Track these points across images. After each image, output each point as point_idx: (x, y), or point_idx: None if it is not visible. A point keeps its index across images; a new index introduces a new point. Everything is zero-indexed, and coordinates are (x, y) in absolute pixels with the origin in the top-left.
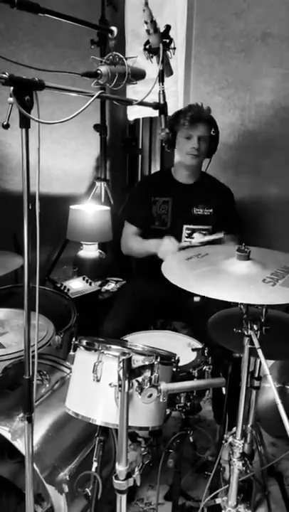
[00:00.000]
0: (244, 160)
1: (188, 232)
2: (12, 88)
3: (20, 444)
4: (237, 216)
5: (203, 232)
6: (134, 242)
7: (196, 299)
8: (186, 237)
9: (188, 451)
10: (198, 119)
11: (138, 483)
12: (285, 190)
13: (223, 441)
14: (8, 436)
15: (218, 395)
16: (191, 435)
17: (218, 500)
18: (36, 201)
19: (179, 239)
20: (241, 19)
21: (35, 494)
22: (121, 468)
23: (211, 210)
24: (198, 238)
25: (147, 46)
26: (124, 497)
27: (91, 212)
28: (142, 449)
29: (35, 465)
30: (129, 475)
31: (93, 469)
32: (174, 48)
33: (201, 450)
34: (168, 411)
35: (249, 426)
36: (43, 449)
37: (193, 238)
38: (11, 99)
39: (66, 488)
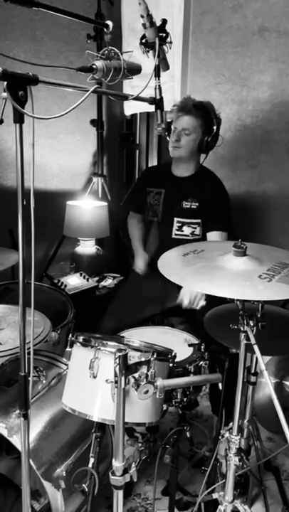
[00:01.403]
0: (241, 155)
1: (179, 225)
2: (5, 83)
3: (16, 441)
4: (225, 212)
5: (193, 226)
6: (132, 231)
7: (202, 302)
8: (177, 230)
9: (185, 446)
10: (181, 111)
11: (134, 479)
12: (282, 185)
13: (220, 437)
14: (4, 432)
15: (216, 390)
16: (188, 430)
17: (215, 495)
18: (31, 197)
19: (169, 231)
20: (238, 13)
21: (32, 490)
22: (118, 464)
23: (197, 204)
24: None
25: (143, 40)
26: (120, 493)
27: (88, 208)
28: (139, 444)
29: (31, 461)
30: (125, 471)
31: (90, 465)
32: (171, 42)
33: (198, 445)
34: (165, 406)
35: (246, 421)
36: (39, 445)
37: (183, 231)
38: (4, 94)
39: (63, 484)
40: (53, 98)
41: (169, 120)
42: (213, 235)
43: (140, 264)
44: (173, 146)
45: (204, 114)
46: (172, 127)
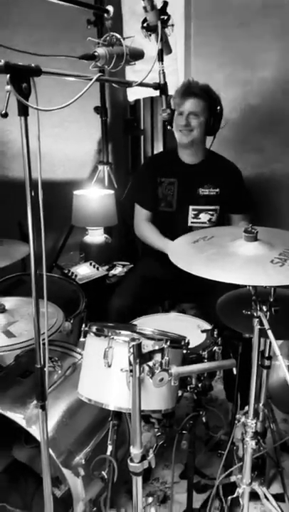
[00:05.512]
0: (247, 137)
1: (195, 213)
2: (8, 76)
3: (35, 431)
4: (246, 195)
5: (210, 212)
6: (148, 233)
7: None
8: (193, 218)
9: (201, 430)
10: (186, 94)
11: (153, 465)
12: None
13: (236, 421)
14: (23, 423)
15: (230, 375)
16: (204, 415)
17: (232, 478)
18: (39, 189)
19: (185, 220)
20: None
21: (52, 478)
22: (135, 451)
23: (217, 190)
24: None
25: (145, 24)
26: (139, 479)
27: (95, 197)
28: (156, 430)
29: (51, 450)
30: (144, 457)
31: (108, 453)
32: (172, 25)
33: (214, 429)
34: (180, 392)
35: (261, 404)
36: (57, 434)
37: (199, 219)
38: (8, 87)
39: (82, 472)
40: (55, 86)
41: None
42: (240, 218)
43: None
44: (183, 130)
45: (207, 95)
46: (176, 112)
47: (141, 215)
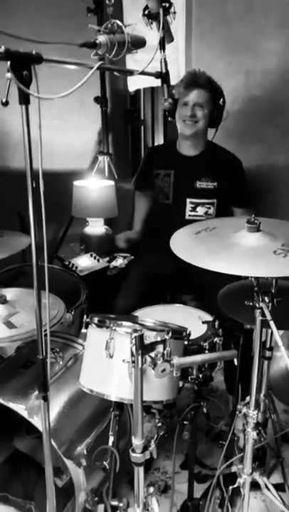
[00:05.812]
0: (249, 127)
1: (192, 206)
2: (9, 63)
3: (37, 422)
4: (247, 188)
5: (207, 206)
6: (136, 209)
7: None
8: (190, 211)
9: (202, 420)
10: (192, 85)
11: (154, 456)
12: None
13: (237, 412)
14: (24, 414)
15: (230, 366)
16: (205, 406)
17: (233, 468)
18: (40, 180)
19: (182, 212)
20: None
21: (54, 467)
22: (137, 442)
23: (215, 184)
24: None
25: (146, 12)
26: (141, 469)
27: (95, 188)
28: (157, 420)
29: (52, 441)
30: (145, 448)
31: (110, 443)
32: (174, 13)
33: (215, 420)
34: (181, 383)
35: (262, 395)
36: (59, 424)
37: (197, 212)
38: (8, 75)
39: (84, 462)
40: (55, 76)
41: (176, 97)
42: (242, 211)
43: (121, 236)
44: (187, 121)
45: (211, 87)
46: (180, 103)
47: (140, 194)
